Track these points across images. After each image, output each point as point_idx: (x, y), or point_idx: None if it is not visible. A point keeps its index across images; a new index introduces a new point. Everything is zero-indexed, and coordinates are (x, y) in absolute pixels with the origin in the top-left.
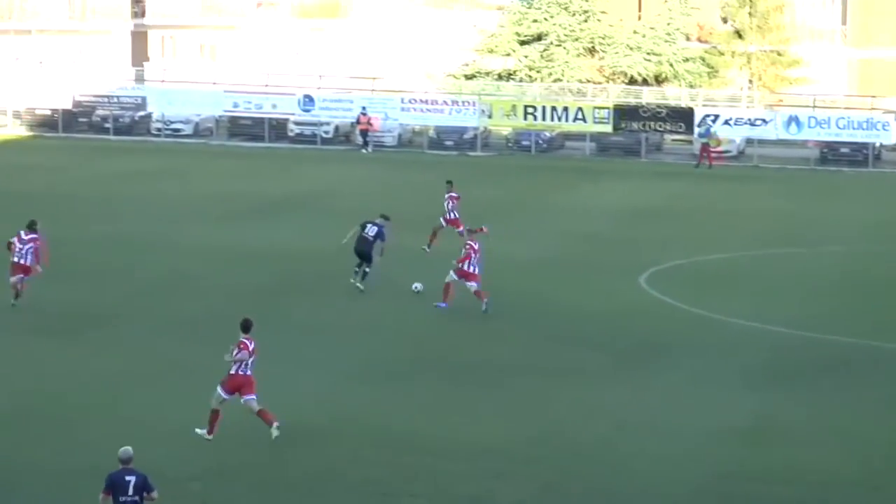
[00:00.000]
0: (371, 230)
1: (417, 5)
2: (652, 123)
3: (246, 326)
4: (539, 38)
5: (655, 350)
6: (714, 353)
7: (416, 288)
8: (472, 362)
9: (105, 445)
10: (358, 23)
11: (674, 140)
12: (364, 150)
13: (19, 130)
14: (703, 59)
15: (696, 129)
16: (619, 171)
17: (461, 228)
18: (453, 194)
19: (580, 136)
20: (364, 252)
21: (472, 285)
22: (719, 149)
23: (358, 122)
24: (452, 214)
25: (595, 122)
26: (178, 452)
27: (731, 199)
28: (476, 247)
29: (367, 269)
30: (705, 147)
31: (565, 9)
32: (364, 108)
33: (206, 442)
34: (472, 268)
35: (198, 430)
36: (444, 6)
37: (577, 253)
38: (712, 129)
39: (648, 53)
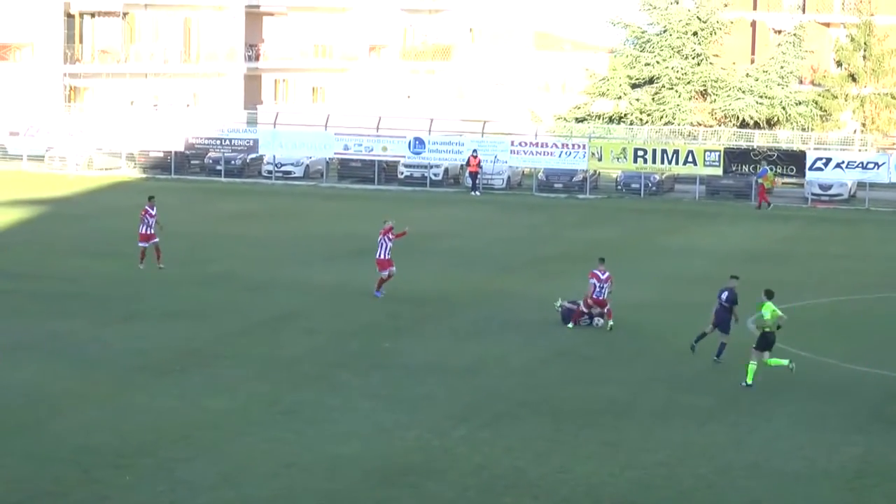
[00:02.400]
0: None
1: (527, 48)
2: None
3: None
4: (651, 81)
5: (762, 393)
6: (820, 396)
7: (597, 323)
8: (576, 403)
9: (210, 487)
10: (468, 66)
11: (785, 183)
12: (474, 193)
13: (132, 172)
14: (815, 103)
15: (757, 170)
16: (729, 214)
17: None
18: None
19: (690, 179)
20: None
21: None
22: (829, 192)
23: (468, 163)
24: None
25: (705, 165)
26: (283, 491)
27: (841, 243)
28: (602, 277)
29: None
30: (761, 187)
31: (678, 52)
32: (475, 150)
33: (307, 484)
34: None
35: None
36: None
37: (685, 295)
38: (768, 171)
39: (761, 96)
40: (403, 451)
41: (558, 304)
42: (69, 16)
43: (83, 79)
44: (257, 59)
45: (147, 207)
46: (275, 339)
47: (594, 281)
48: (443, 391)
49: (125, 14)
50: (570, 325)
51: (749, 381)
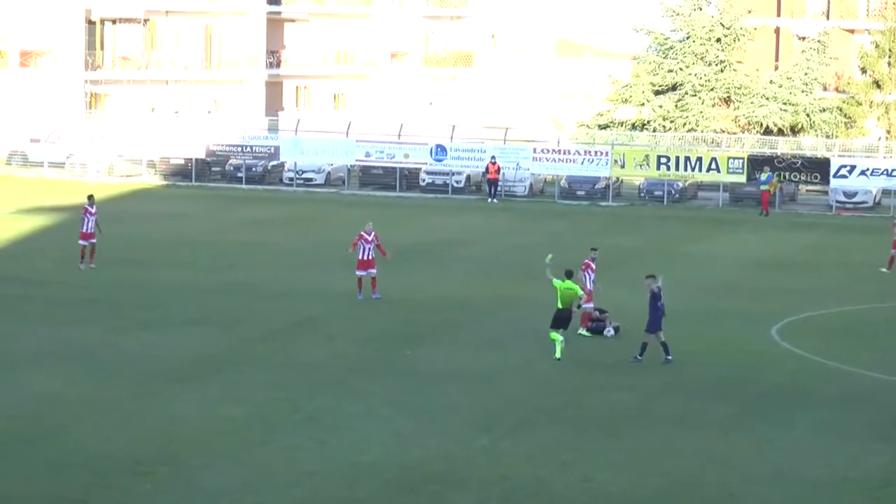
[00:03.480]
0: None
1: (548, 55)
2: (787, 174)
3: None
4: (674, 87)
5: (784, 401)
6: (844, 405)
7: (608, 333)
8: (596, 410)
9: (230, 495)
10: (489, 72)
11: (809, 190)
12: (490, 200)
13: (153, 179)
14: (840, 110)
15: (759, 176)
16: (753, 221)
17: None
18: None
19: (713, 187)
20: None
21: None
22: (854, 199)
23: (487, 171)
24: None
25: (729, 173)
26: (303, 500)
27: (866, 251)
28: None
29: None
30: (766, 194)
31: (701, 59)
32: (493, 157)
33: (327, 492)
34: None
35: None
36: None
37: (708, 303)
38: (774, 178)
39: (784, 103)
40: (424, 459)
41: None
42: (90, 22)
43: (104, 85)
44: (278, 65)
45: (87, 206)
46: (294, 345)
47: (591, 273)
48: (463, 399)
49: (146, 21)
50: (582, 332)
51: (559, 355)
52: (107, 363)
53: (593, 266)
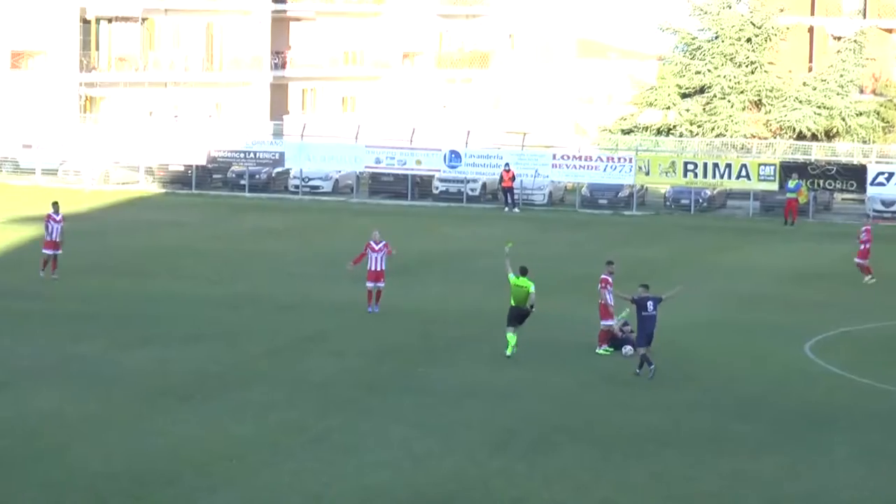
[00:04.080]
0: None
1: (569, 56)
2: (821, 181)
3: None
4: (702, 90)
5: (818, 421)
6: (881, 425)
7: (626, 352)
8: (621, 430)
9: None
10: (507, 74)
11: (844, 199)
12: (507, 210)
13: (151, 187)
14: (877, 113)
15: (787, 184)
16: (785, 231)
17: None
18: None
19: (743, 195)
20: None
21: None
22: (892, 209)
23: (501, 179)
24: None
25: (760, 180)
26: None
27: None
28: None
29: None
30: (791, 203)
31: (731, 59)
32: (507, 164)
33: None
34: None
35: None
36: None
37: (738, 318)
38: (802, 185)
39: (819, 107)
40: (438, 481)
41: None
42: (85, 21)
43: (99, 88)
44: (284, 66)
45: (51, 214)
46: (302, 362)
47: (610, 289)
48: (478, 417)
49: (144, 19)
50: (601, 350)
51: (511, 352)
52: (108, 380)
53: (611, 280)
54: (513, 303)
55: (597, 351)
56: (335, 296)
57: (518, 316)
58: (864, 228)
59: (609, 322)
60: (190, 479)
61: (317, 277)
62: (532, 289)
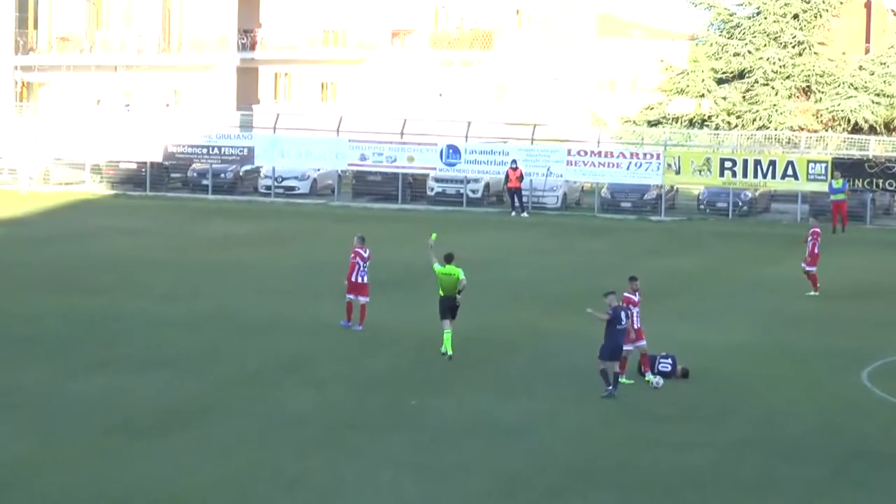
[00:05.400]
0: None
1: (587, 35)
2: (880, 181)
3: None
4: (741, 75)
5: (878, 459)
6: None
7: (656, 383)
8: (648, 473)
9: None
10: (513, 56)
11: None
12: (515, 214)
13: (99, 188)
14: None
15: (832, 183)
16: (838, 239)
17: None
18: None
19: (790, 197)
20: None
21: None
22: None
23: (507, 178)
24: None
25: (809, 180)
26: None
27: None
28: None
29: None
30: (840, 206)
31: (775, 40)
32: (514, 161)
33: None
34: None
35: None
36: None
37: (784, 340)
38: (849, 185)
39: (877, 95)
40: None
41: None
42: None
43: (38, 72)
44: (253, 47)
45: None
46: (276, 392)
47: (635, 309)
48: (481, 458)
49: None
50: (624, 379)
51: (448, 349)
52: (51, 413)
53: (636, 299)
54: (441, 293)
55: (620, 379)
56: (314, 315)
57: (451, 308)
58: None
59: (643, 343)
60: None
61: (293, 294)
62: (462, 275)
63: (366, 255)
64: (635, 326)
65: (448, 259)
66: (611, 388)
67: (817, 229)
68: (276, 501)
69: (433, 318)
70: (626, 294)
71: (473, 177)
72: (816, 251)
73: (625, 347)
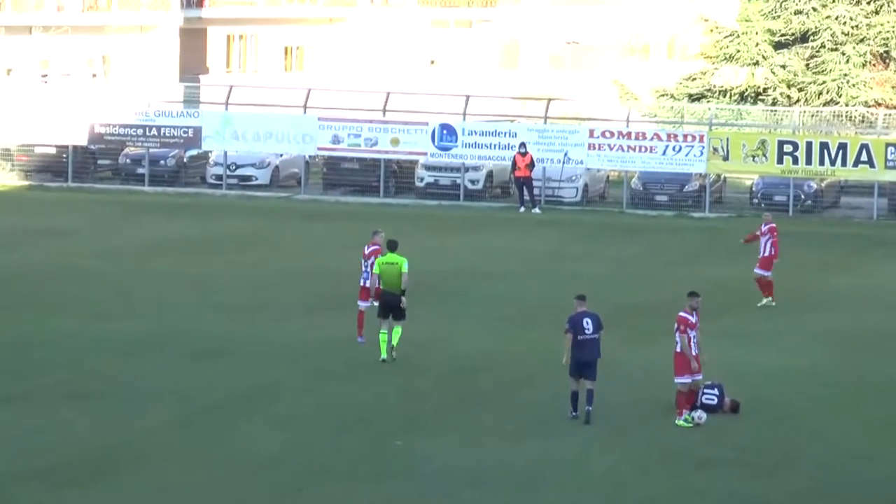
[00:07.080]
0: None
1: None
2: None
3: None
4: (804, 38)
5: None
6: None
7: (699, 418)
8: None
9: None
10: (521, 16)
11: None
12: (524, 209)
13: (9, 179)
14: None
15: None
16: None
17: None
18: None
19: (865, 189)
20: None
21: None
22: None
23: (514, 165)
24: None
25: (887, 168)
26: None
27: None
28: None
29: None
30: None
31: None
32: (524, 144)
33: None
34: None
35: None
36: None
37: (857, 366)
38: None
39: None
40: None
41: (699, 419)
42: None
43: None
44: (200, 4)
45: None
46: (233, 432)
47: (691, 333)
48: None
49: None
50: (682, 421)
51: (383, 354)
52: None
53: (693, 320)
54: (381, 286)
55: (676, 422)
56: (281, 336)
57: (387, 305)
58: None
59: (686, 379)
60: None
61: (251, 309)
62: (405, 267)
63: (367, 253)
64: (692, 353)
65: (392, 247)
66: (575, 413)
67: (773, 224)
68: None
69: (425, 339)
70: (681, 314)
71: (473, 164)
72: (773, 251)
73: (681, 380)
